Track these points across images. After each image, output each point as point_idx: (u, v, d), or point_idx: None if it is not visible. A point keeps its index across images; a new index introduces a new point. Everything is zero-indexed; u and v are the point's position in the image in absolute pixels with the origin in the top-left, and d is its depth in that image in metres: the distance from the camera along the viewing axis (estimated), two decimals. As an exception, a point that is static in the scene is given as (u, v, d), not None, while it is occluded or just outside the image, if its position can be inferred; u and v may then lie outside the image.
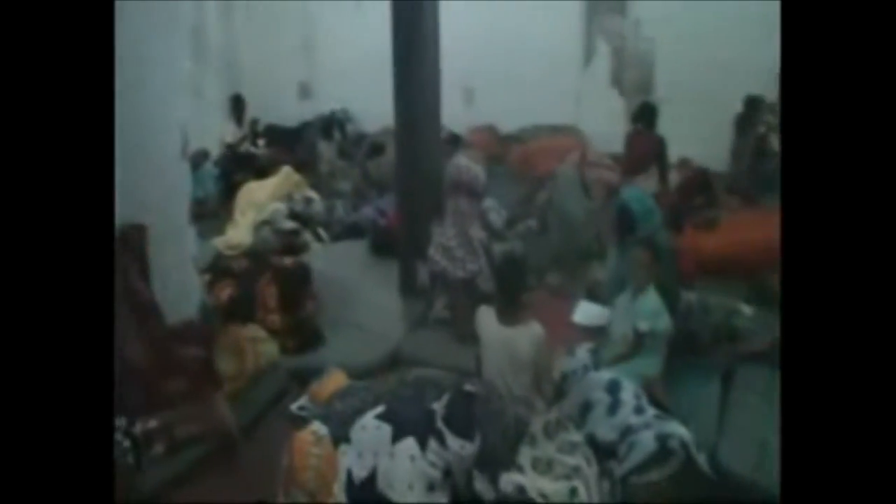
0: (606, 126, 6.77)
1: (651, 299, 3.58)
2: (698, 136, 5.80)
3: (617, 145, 6.15)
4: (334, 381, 3.66)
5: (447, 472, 2.76)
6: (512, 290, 3.31)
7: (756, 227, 4.59)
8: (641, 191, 4.32)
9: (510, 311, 3.27)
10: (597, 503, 2.80)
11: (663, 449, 2.92)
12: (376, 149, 7.05)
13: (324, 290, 4.54)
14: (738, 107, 6.22)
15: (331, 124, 8.01)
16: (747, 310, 3.93)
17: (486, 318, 3.33)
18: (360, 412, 3.05)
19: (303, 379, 3.75)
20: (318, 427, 2.93)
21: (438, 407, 2.90)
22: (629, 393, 3.18)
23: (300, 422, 3.29)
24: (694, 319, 3.79)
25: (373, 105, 6.74)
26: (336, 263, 5.14)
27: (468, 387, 2.96)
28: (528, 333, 3.21)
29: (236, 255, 5.10)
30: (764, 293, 4.16)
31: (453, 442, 2.76)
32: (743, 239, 4.48)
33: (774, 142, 6.09)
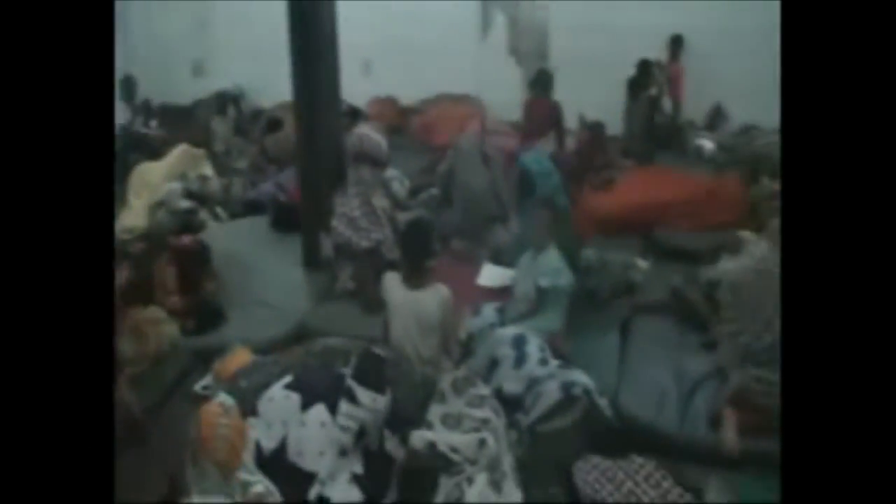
0: (505, 94, 6.85)
1: (552, 257, 3.69)
2: (593, 100, 5.95)
3: (516, 113, 6.26)
4: (238, 357, 3.60)
5: (359, 435, 2.77)
6: (418, 254, 3.33)
7: (649, 187, 4.78)
8: (539, 153, 4.42)
9: (417, 276, 3.30)
10: (505, 452, 2.86)
11: (567, 397, 3.03)
12: (273, 124, 6.93)
13: (224, 269, 4.45)
14: (630, 71, 6.40)
15: (225, 101, 7.84)
16: (642, 264, 4.09)
17: (393, 283, 3.35)
18: (266, 386, 3.02)
19: (207, 358, 3.67)
20: (224, 398, 2.89)
21: (347, 370, 2.91)
22: (534, 346, 3.27)
23: (204, 401, 3.23)
24: (593, 275, 3.92)
25: (269, 81, 6.60)
26: (236, 241, 5.04)
27: (376, 349, 2.98)
28: (435, 296, 3.25)
29: (132, 238, 4.94)
30: (657, 248, 4.33)
31: (364, 396, 2.76)
32: (637, 198, 4.65)
33: (666, 104, 6.32)
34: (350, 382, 2.81)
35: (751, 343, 3.39)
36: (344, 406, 2.76)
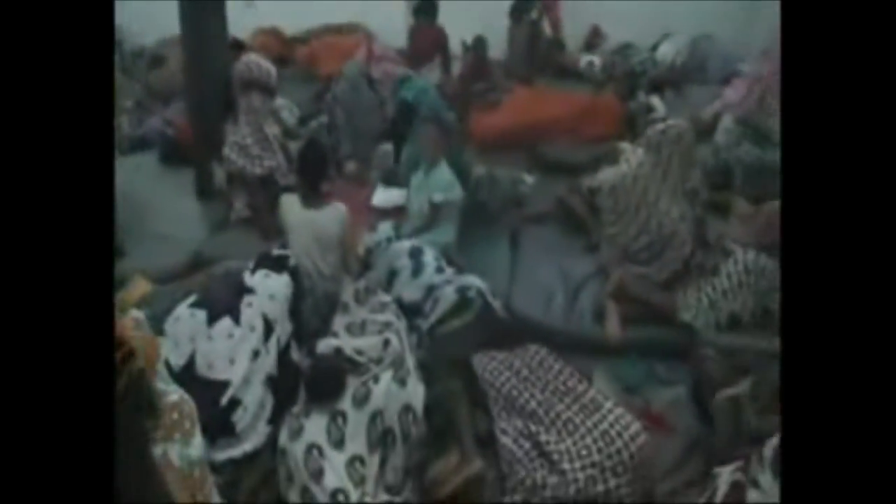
0: (391, 22, 6.86)
1: (443, 172, 3.85)
2: (477, 26, 6.04)
3: (402, 40, 6.30)
4: (139, 288, 3.60)
5: (268, 332, 2.87)
6: (315, 175, 3.42)
7: (533, 106, 4.98)
8: (412, 78, 4.58)
9: (314, 196, 3.39)
10: (408, 351, 3.01)
11: (463, 299, 3.22)
12: (156, 61, 6.72)
13: (117, 206, 4.36)
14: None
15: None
16: (529, 178, 4.30)
17: (290, 204, 3.42)
18: (170, 311, 3.07)
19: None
20: (136, 314, 2.91)
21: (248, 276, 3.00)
22: (430, 257, 3.44)
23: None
24: (483, 190, 4.11)
25: (150, 20, 6.38)
26: (127, 178, 4.92)
27: (276, 251, 3.09)
28: (333, 213, 3.36)
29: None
30: (542, 162, 4.55)
31: (261, 281, 2.86)
32: (522, 116, 4.84)
33: (546, 28, 6.48)
34: (249, 282, 2.90)
35: (629, 243, 3.67)
36: (247, 310, 2.85)
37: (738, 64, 5.38)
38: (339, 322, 3.13)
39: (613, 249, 3.71)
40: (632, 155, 3.94)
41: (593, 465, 2.63)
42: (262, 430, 2.80)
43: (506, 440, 2.78)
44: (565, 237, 3.92)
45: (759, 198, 3.91)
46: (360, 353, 2.89)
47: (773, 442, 1.91)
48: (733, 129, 4.50)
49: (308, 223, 3.35)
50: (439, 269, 3.41)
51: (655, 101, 4.91)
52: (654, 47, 6.23)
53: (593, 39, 6.67)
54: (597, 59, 6.26)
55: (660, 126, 3.77)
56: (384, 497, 2.62)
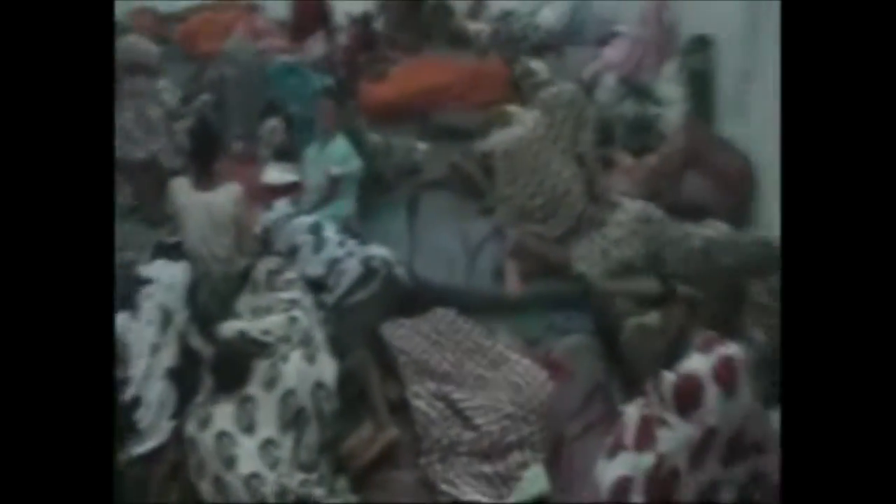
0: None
1: (340, 145, 3.85)
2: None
3: (284, 12, 6.17)
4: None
5: (166, 323, 2.82)
6: (205, 155, 3.35)
7: (421, 75, 5.02)
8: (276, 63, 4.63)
9: (205, 178, 3.32)
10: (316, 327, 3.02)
11: (368, 269, 3.26)
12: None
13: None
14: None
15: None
16: (422, 146, 4.35)
17: (181, 187, 3.34)
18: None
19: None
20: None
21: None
22: (331, 231, 3.44)
23: None
24: (379, 160, 4.13)
25: None
26: None
27: (170, 238, 3.03)
28: (227, 194, 3.31)
29: None
30: (434, 130, 4.61)
31: (158, 270, 2.81)
32: (411, 85, 4.88)
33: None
34: (142, 269, 2.84)
35: (524, 203, 3.80)
36: (143, 293, 2.80)
37: (614, 26, 5.56)
38: (244, 302, 3.09)
39: (509, 210, 3.83)
40: (525, 116, 4.05)
41: (506, 416, 2.74)
42: (167, 426, 2.77)
43: (419, 403, 2.85)
44: (462, 201, 4.01)
45: (640, 151, 4.12)
46: (266, 333, 2.85)
47: (671, 377, 2.00)
48: (615, 87, 4.68)
49: (201, 206, 3.28)
50: (341, 243, 3.42)
51: (538, 64, 5.03)
52: (535, 13, 6.35)
53: (476, 7, 6.71)
54: (483, 27, 6.34)
55: (554, 89, 3.90)
56: (299, 476, 2.59)
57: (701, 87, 4.40)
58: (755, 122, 3.80)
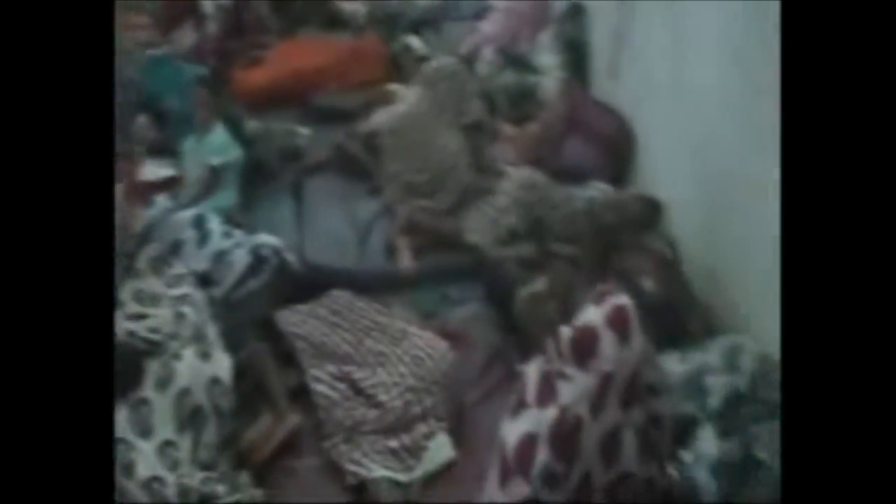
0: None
1: (218, 135, 3.73)
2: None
3: (151, 4, 5.91)
4: None
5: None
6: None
7: (297, 57, 4.90)
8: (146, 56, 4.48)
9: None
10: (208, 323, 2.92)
11: (257, 258, 3.16)
12: None
13: None
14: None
15: None
16: (304, 130, 4.26)
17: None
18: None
19: None
20: None
21: None
22: (214, 223, 3.32)
23: None
24: (260, 147, 4.02)
25: None
26: None
27: None
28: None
29: None
30: (315, 112, 4.52)
31: None
32: (287, 69, 4.75)
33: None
34: None
35: (412, 179, 3.79)
36: None
37: (489, 0, 5.58)
38: (127, 289, 2.93)
39: (397, 188, 3.81)
40: (408, 93, 4.03)
41: (408, 389, 2.74)
42: None
43: (320, 387, 2.82)
44: (348, 183, 3.95)
45: (521, 120, 4.18)
46: (154, 331, 2.75)
47: (567, 331, 2.04)
48: (493, 59, 4.71)
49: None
50: (227, 234, 3.30)
51: (415, 40, 5.01)
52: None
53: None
54: (358, 6, 6.25)
55: (435, 64, 3.90)
56: (200, 475, 2.52)
57: (576, 53, 4.49)
58: (629, 85, 3.92)
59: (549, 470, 1.99)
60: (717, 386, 2.46)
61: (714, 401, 2.43)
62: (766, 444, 2.27)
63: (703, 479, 2.30)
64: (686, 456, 2.35)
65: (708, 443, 2.36)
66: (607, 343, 1.93)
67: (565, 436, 1.98)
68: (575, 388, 1.98)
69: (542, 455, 2.00)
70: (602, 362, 1.93)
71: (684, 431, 2.38)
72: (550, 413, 2.02)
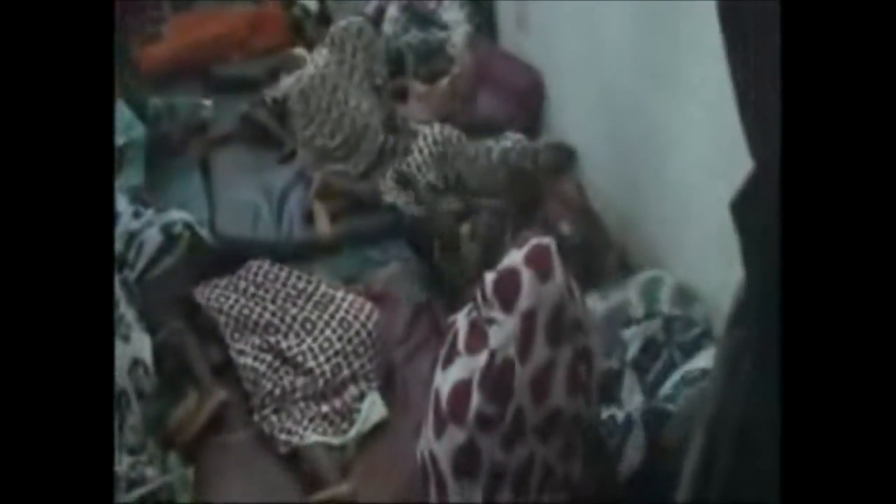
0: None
1: (121, 113, 3.57)
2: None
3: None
4: None
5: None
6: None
7: (194, 29, 4.71)
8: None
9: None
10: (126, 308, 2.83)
11: (169, 236, 3.04)
12: None
13: None
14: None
15: None
16: (208, 102, 4.12)
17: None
18: None
19: None
20: None
21: None
22: (123, 203, 3.19)
23: None
24: (163, 123, 3.87)
25: None
26: None
27: None
28: None
29: None
30: (218, 83, 4.38)
31: None
32: (185, 41, 4.56)
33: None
34: None
35: (325, 143, 3.72)
36: None
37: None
38: None
39: (310, 153, 3.74)
40: (316, 56, 3.93)
41: (336, 353, 2.71)
42: None
43: (245, 360, 2.76)
44: (257, 152, 3.85)
45: (431, 77, 4.14)
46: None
47: (490, 276, 2.04)
48: (399, 16, 4.63)
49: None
50: (136, 214, 3.18)
51: (312, 4, 4.89)
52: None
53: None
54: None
55: (341, 23, 3.81)
56: (128, 460, 2.42)
57: (482, 6, 4.47)
58: (536, 35, 3.92)
59: (483, 413, 2.00)
60: (636, 335, 2.50)
61: (633, 350, 2.48)
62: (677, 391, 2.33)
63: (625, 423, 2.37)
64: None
65: (629, 392, 2.42)
66: (527, 281, 1.93)
67: (496, 379, 1.99)
68: (503, 330, 1.99)
69: (475, 400, 2.01)
70: (523, 299, 1.94)
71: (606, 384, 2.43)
72: (481, 358, 2.02)
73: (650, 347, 2.45)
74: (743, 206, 1.20)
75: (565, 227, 2.80)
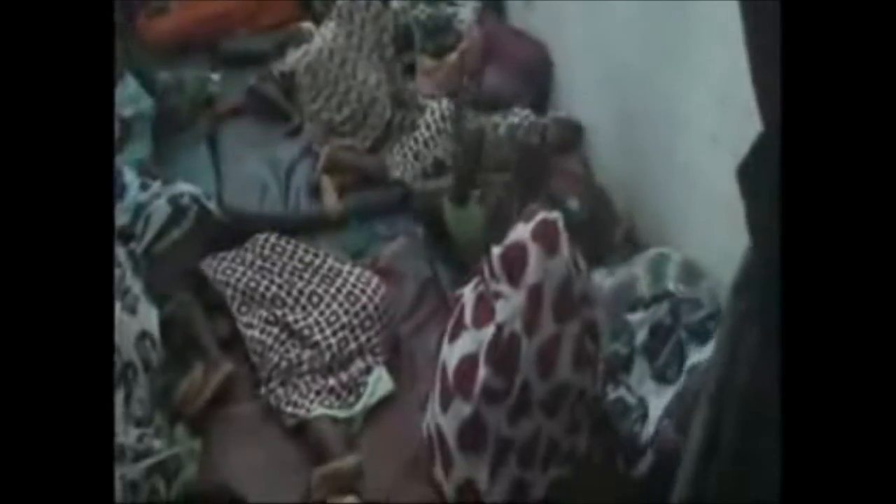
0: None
1: (128, 85, 3.57)
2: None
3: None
4: None
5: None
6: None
7: (202, 4, 4.67)
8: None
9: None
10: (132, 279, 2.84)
11: (178, 208, 3.05)
12: None
13: None
14: None
15: None
16: (216, 76, 4.10)
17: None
18: None
19: None
20: None
21: None
22: (130, 175, 3.20)
23: None
24: (171, 96, 3.86)
25: None
26: None
27: None
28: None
29: None
30: (226, 58, 4.35)
31: None
32: (193, 15, 4.54)
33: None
34: None
35: (332, 117, 3.71)
36: None
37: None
38: None
39: (317, 127, 3.72)
40: (324, 29, 3.91)
41: (343, 326, 2.72)
42: None
43: (252, 332, 2.77)
44: (264, 126, 3.83)
45: (438, 52, 4.11)
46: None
47: (497, 250, 2.05)
48: (406, -9, 4.59)
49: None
50: (143, 186, 3.19)
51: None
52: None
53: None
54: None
55: None
56: (135, 432, 2.44)
57: (490, -18, 4.42)
58: (544, 11, 3.89)
59: (489, 386, 2.01)
60: (644, 321, 2.48)
61: (641, 336, 2.46)
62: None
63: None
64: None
65: (638, 377, 2.41)
66: (534, 256, 1.93)
67: (503, 352, 2.00)
68: (510, 304, 2.00)
69: (482, 373, 2.02)
70: (529, 274, 1.94)
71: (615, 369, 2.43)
72: (488, 332, 2.03)
73: (658, 332, 2.44)
74: (748, 172, 1.19)
75: (572, 203, 2.79)
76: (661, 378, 2.36)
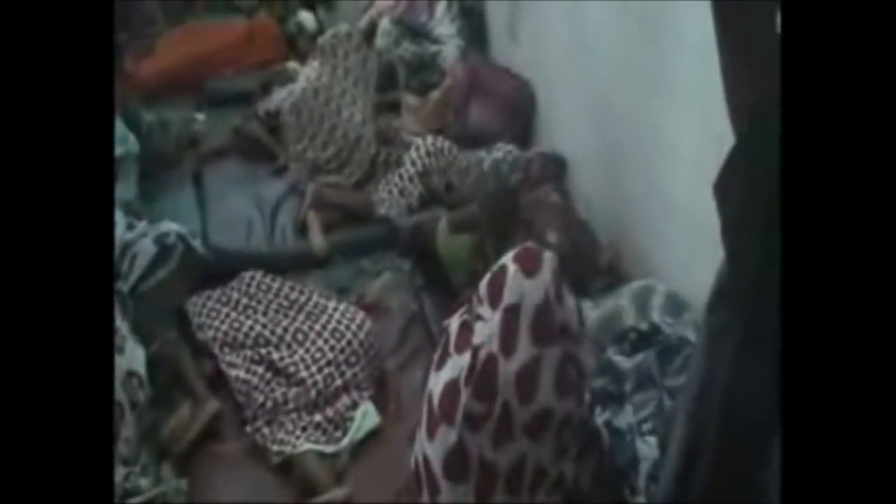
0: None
1: (115, 127, 3.59)
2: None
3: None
4: None
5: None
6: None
7: (188, 44, 4.76)
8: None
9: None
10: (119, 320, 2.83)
11: (163, 247, 3.05)
12: None
13: None
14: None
15: None
16: (201, 116, 4.15)
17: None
18: None
19: None
20: None
21: None
22: (117, 215, 3.20)
23: None
24: (156, 137, 3.89)
25: None
26: None
27: None
28: None
29: None
30: (212, 98, 4.41)
31: None
32: (178, 55, 4.61)
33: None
34: None
35: (318, 155, 3.75)
36: None
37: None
38: None
39: (303, 165, 3.76)
40: (308, 69, 3.97)
41: (328, 363, 2.72)
42: None
43: (237, 372, 2.76)
44: (250, 165, 3.88)
45: (423, 90, 4.17)
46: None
47: (486, 278, 2.04)
48: (391, 29, 4.67)
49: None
50: (130, 226, 3.20)
51: (308, 18, 4.93)
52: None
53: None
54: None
55: (329, 32, 3.85)
56: (122, 471, 2.43)
57: (474, 20, 4.50)
58: (527, 47, 3.96)
59: (470, 410, 2.00)
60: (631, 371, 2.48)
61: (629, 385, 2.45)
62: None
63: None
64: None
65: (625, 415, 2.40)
66: (511, 276, 1.94)
67: (480, 373, 1.98)
68: (488, 325, 1.99)
69: (463, 397, 2.01)
70: (506, 295, 1.94)
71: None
72: (466, 356, 2.03)
73: (644, 384, 2.43)
74: (724, 185, 1.22)
75: (551, 236, 2.81)
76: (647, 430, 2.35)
